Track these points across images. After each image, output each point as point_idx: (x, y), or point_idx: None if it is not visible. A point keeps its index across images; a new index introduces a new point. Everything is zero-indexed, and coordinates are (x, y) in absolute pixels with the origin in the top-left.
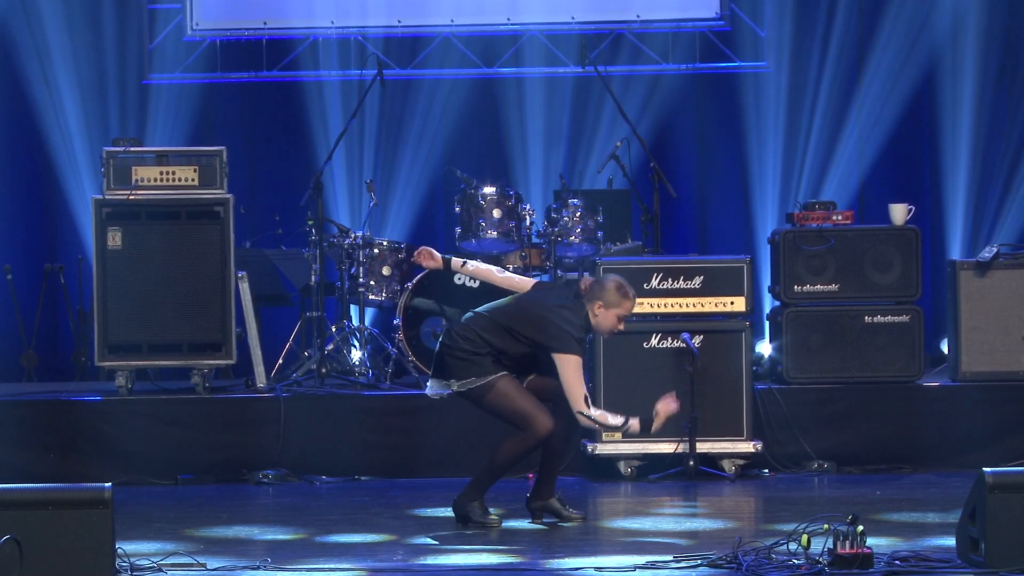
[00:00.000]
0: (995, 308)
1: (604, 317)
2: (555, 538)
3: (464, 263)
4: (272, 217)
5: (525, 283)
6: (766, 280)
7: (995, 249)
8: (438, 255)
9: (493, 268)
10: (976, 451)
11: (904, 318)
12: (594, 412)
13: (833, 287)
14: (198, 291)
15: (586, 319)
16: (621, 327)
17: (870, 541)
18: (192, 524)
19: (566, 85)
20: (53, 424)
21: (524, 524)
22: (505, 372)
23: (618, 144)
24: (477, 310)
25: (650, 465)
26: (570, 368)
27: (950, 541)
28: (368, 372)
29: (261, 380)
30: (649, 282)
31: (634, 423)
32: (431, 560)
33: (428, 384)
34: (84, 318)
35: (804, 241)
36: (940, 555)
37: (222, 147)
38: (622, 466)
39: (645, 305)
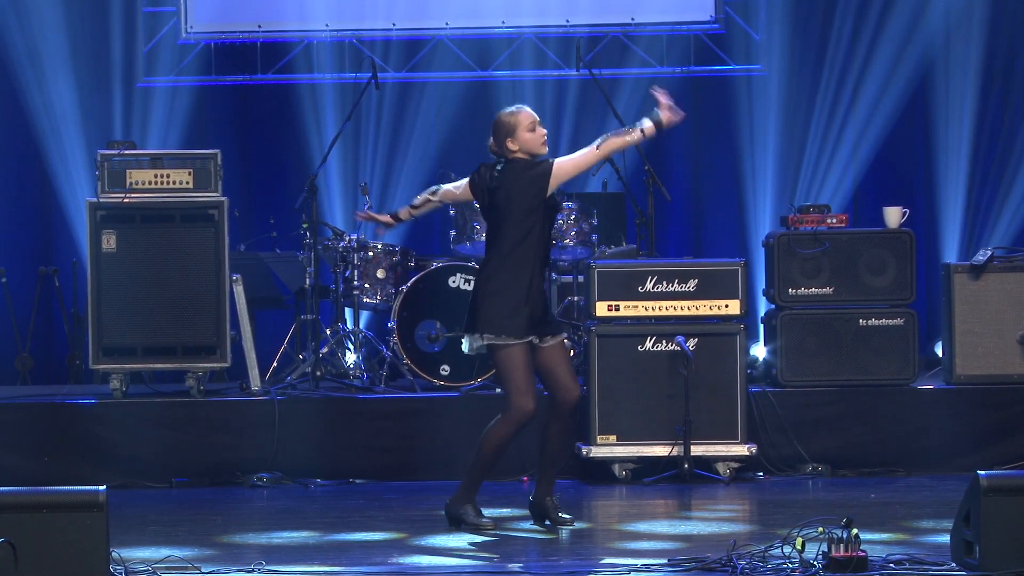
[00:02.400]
0: (989, 311)
1: (522, 142)
2: (549, 541)
3: (408, 209)
4: (267, 220)
5: (461, 185)
6: (761, 283)
7: (989, 252)
8: (387, 218)
9: (425, 192)
10: (970, 454)
11: (898, 321)
12: (609, 139)
13: (827, 290)
14: (192, 294)
15: (522, 160)
16: (540, 130)
17: (864, 544)
18: (186, 527)
19: (561, 88)
20: (47, 427)
21: (518, 527)
22: (527, 340)
23: None
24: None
25: (644, 468)
26: (566, 161)
27: (945, 544)
28: (363, 375)
29: (255, 383)
30: (644, 285)
31: (645, 122)
32: (425, 562)
33: (464, 341)
34: (78, 321)
35: (798, 244)
36: (934, 558)
37: (217, 150)
38: (616, 469)
39: (640, 308)
